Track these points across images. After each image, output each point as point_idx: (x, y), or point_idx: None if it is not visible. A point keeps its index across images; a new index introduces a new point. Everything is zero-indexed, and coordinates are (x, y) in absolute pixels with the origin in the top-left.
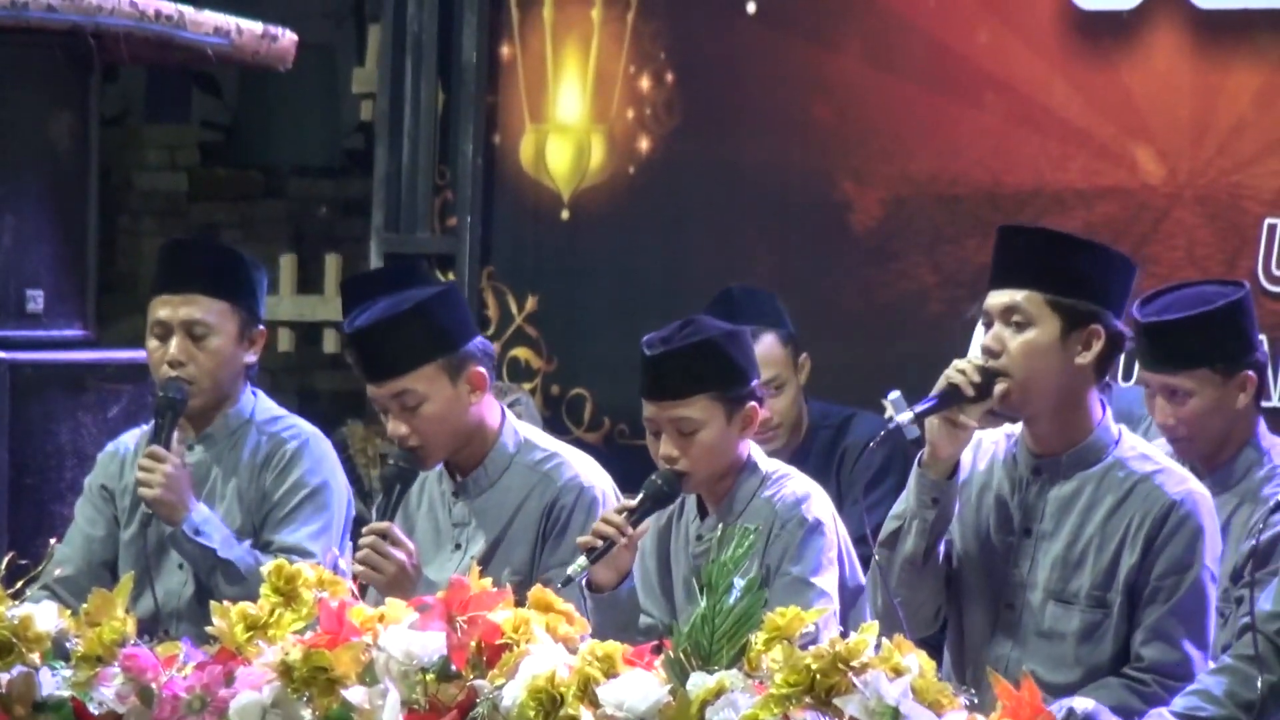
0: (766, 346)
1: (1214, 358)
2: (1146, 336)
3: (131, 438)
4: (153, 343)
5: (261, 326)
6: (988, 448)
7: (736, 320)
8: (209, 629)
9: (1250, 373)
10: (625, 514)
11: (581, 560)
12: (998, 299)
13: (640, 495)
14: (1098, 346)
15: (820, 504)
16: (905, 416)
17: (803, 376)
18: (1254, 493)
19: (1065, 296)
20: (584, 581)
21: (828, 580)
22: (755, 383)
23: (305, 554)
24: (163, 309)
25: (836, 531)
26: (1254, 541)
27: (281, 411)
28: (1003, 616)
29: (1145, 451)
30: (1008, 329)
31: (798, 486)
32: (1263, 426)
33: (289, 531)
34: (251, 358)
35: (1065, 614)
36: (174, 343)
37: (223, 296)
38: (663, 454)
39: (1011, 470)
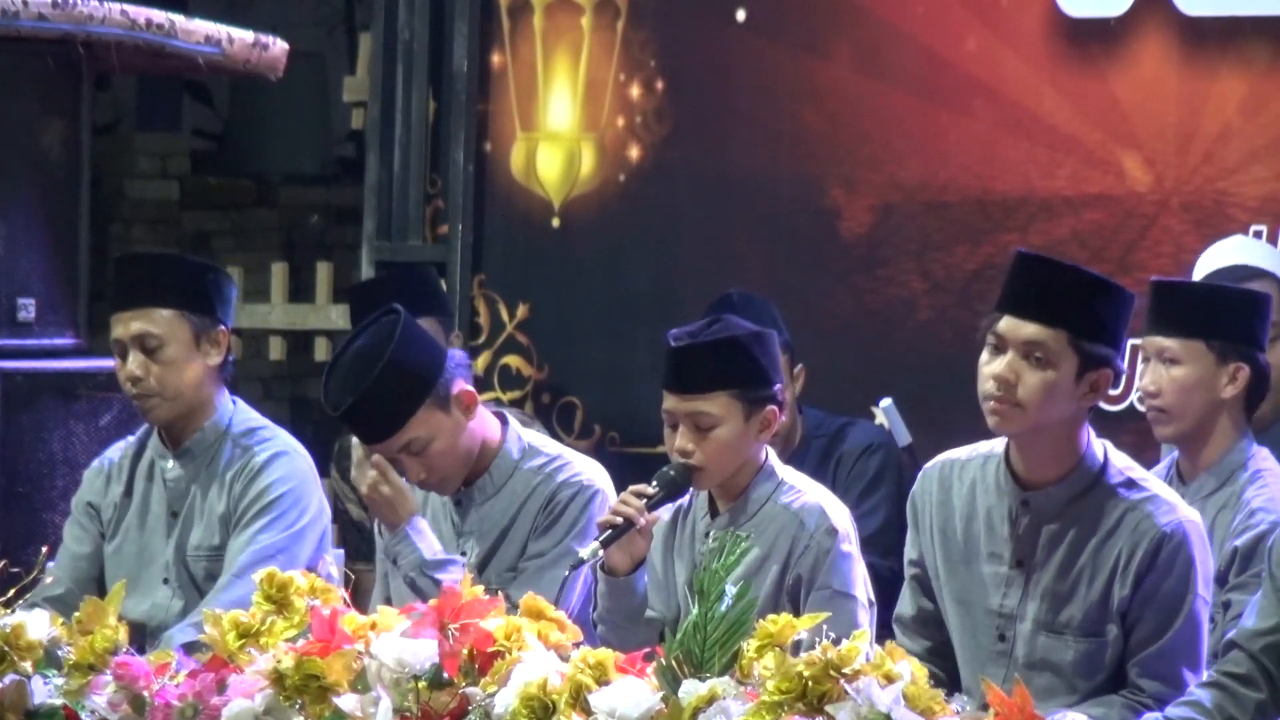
0: None
1: (1210, 334)
2: (1154, 297)
3: (116, 451)
4: (117, 362)
5: (223, 327)
6: (967, 472)
7: None
8: (200, 637)
9: (1244, 365)
10: (643, 499)
11: (594, 544)
12: (1022, 330)
13: (654, 483)
14: (1104, 389)
15: (842, 514)
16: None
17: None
18: (1237, 495)
19: (1086, 339)
20: (600, 564)
21: (865, 591)
22: (777, 387)
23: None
24: (117, 327)
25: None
26: (1235, 543)
27: (262, 422)
28: (995, 648)
29: (1133, 476)
30: (1025, 361)
31: (820, 496)
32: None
33: (244, 532)
34: (215, 359)
35: (1058, 645)
36: (130, 358)
37: (169, 305)
38: (678, 447)
39: (998, 499)
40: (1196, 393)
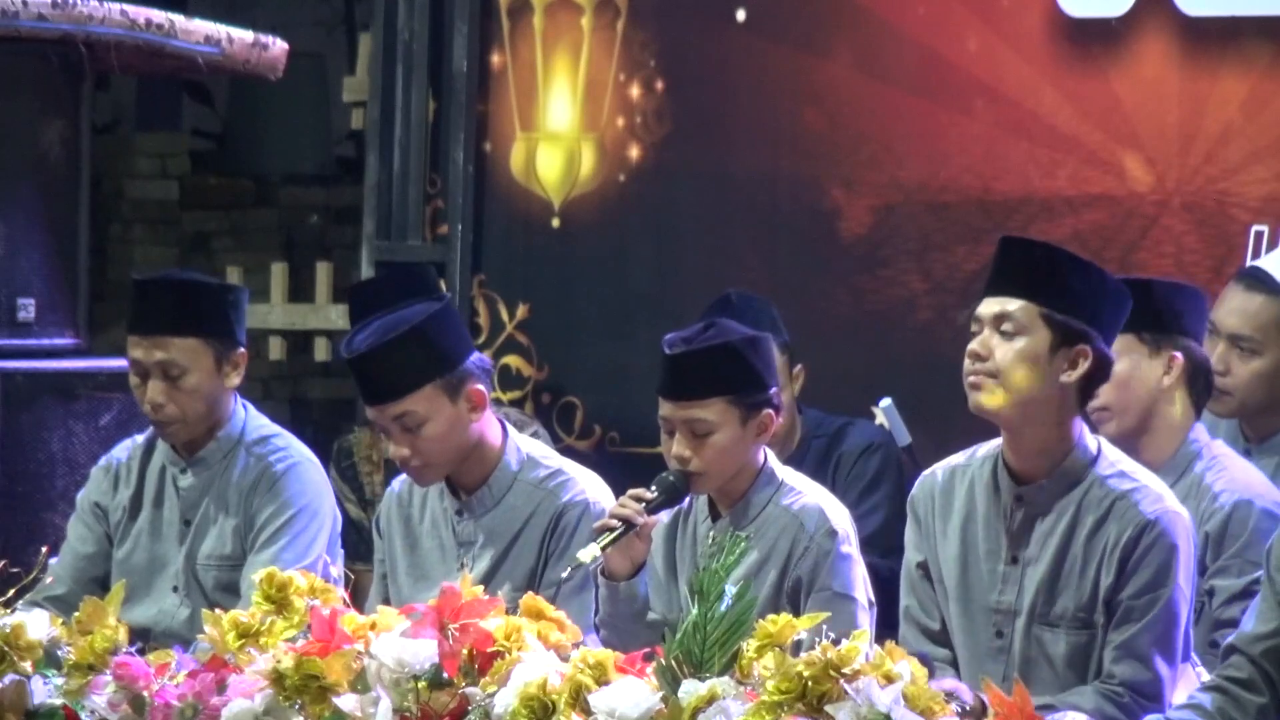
0: None
1: (1139, 325)
2: None
3: (124, 450)
4: (134, 380)
5: (241, 349)
6: (966, 475)
7: None
8: (200, 637)
9: (1177, 354)
10: (642, 504)
11: (593, 548)
12: (990, 306)
13: (654, 488)
14: (1084, 367)
15: (843, 515)
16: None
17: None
18: (1197, 482)
19: (1058, 312)
20: (599, 569)
21: (864, 592)
22: (774, 390)
23: None
24: (136, 350)
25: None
26: (1205, 529)
27: (273, 429)
28: (993, 645)
29: (1124, 468)
30: (996, 335)
31: (820, 498)
32: (1201, 429)
33: (264, 552)
34: (235, 381)
35: (1051, 637)
36: (151, 385)
37: (192, 333)
38: (675, 453)
39: (994, 497)
40: (1133, 385)
